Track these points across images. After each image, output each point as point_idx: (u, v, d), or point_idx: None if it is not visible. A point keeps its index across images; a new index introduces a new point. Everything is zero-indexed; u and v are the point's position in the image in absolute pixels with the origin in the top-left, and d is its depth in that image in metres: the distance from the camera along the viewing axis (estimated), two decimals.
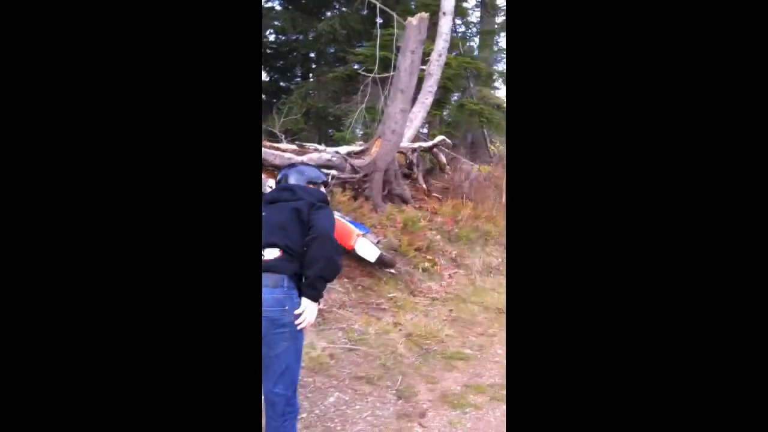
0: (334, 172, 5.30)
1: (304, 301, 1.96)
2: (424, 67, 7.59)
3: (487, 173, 7.45)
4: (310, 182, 2.33)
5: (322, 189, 2.42)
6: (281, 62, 10.33)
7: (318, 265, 1.95)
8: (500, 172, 7.41)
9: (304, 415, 2.59)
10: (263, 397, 1.92)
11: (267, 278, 1.92)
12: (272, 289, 1.92)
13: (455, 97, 9.87)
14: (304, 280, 1.98)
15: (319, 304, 2.05)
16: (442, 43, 7.76)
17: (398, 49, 6.58)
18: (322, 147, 5.87)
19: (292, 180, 2.31)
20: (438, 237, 5.71)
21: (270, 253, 1.99)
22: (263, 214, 2.05)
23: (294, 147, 5.58)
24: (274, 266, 1.96)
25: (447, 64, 8.10)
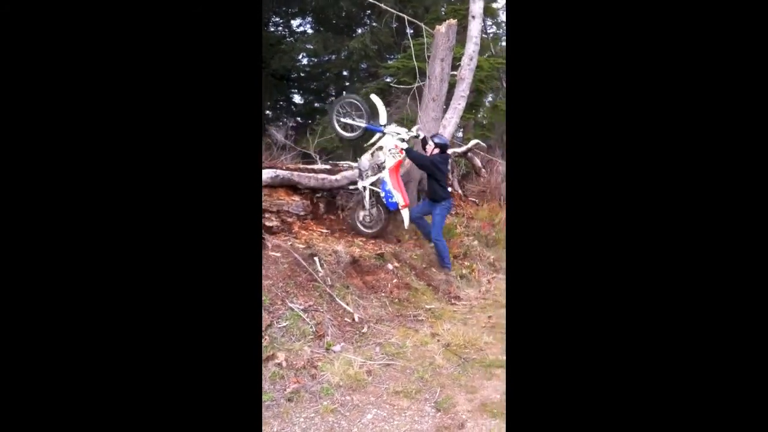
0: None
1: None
2: (455, 72, 7.60)
3: None
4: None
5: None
6: (315, 84, 10.58)
7: None
8: None
9: None
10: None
11: None
12: None
13: (489, 99, 9.78)
14: None
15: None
16: (472, 47, 7.72)
17: (429, 57, 6.62)
18: (355, 163, 6.00)
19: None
20: (475, 243, 5.70)
21: None
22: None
23: (327, 167, 5.74)
24: None
25: (479, 67, 8.05)
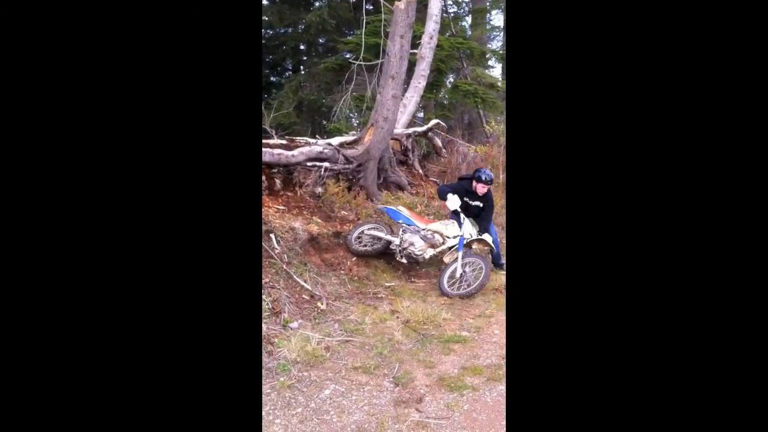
0: (326, 164, 5.31)
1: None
2: (415, 51, 7.52)
3: (483, 153, 7.40)
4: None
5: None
6: (270, 57, 10.30)
7: None
8: (497, 151, 7.35)
9: (299, 410, 2.62)
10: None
11: None
12: None
13: (450, 79, 9.78)
14: None
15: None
16: (432, 25, 7.67)
17: (387, 34, 6.52)
18: (313, 140, 5.87)
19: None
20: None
21: None
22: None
23: (283, 142, 5.59)
24: None
25: (439, 46, 8.01)
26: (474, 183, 4.96)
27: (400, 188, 6.31)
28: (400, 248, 4.80)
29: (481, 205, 4.97)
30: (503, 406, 2.73)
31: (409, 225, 4.89)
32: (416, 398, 2.83)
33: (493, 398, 2.85)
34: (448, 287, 4.55)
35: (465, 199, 4.93)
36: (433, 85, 8.54)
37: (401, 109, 7.09)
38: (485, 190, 4.96)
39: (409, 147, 7.06)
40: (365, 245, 4.93)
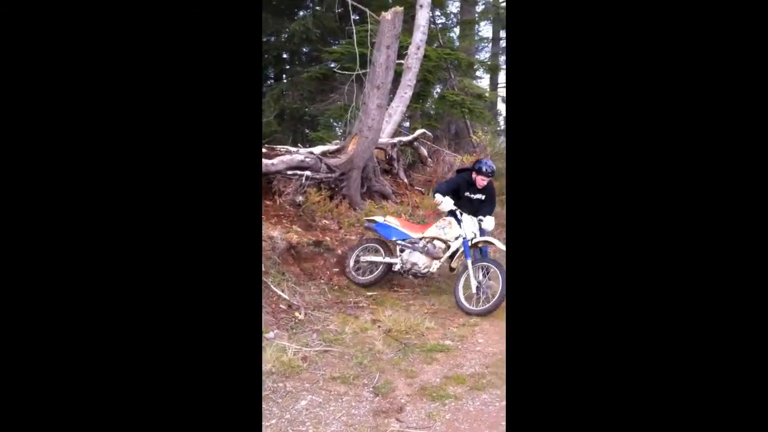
0: (307, 173, 5.24)
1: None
2: (402, 61, 7.53)
3: (470, 163, 7.37)
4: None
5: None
6: None
7: None
8: None
9: (273, 421, 2.52)
10: None
11: None
12: None
13: (437, 90, 9.80)
14: None
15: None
16: (420, 36, 7.69)
17: (374, 45, 6.50)
18: (294, 148, 5.80)
19: None
20: None
21: None
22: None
23: (263, 150, 5.51)
24: None
25: (426, 57, 8.02)
26: (474, 175, 4.60)
27: (384, 197, 6.25)
28: (402, 270, 4.52)
29: (483, 198, 4.63)
30: (486, 415, 2.67)
31: (404, 239, 4.55)
32: (396, 408, 2.75)
33: (475, 407, 2.77)
34: (466, 302, 4.14)
35: (466, 193, 4.58)
36: (419, 95, 8.53)
37: (386, 118, 7.06)
38: (485, 182, 4.59)
39: (394, 156, 7.02)
40: (365, 273, 4.61)
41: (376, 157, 6.46)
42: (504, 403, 2.74)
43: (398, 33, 6.08)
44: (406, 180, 6.97)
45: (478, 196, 4.64)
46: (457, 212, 4.46)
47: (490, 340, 3.70)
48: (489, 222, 4.48)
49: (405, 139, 7.39)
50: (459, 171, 4.94)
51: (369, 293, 4.44)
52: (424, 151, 7.72)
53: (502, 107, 13.06)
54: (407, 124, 9.03)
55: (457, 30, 11.87)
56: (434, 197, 4.51)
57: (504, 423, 2.53)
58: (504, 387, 2.90)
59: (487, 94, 9.71)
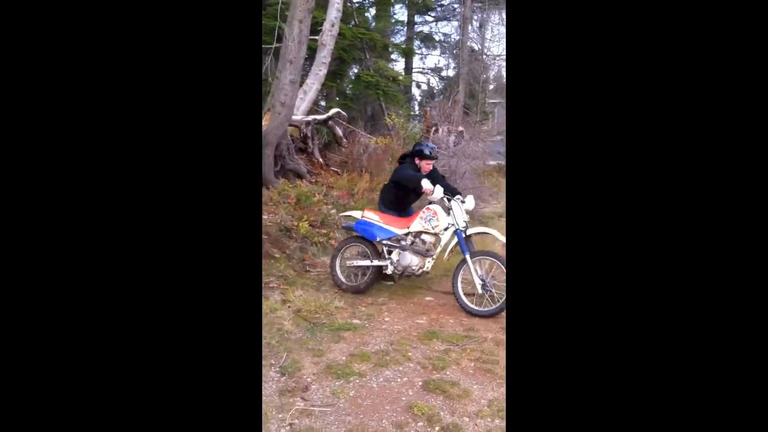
0: None
1: None
2: (317, 37, 7.40)
3: (384, 145, 7.47)
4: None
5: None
6: None
7: None
8: (397, 144, 7.46)
9: None
10: None
11: None
12: None
13: (354, 70, 9.77)
14: None
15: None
16: (334, 13, 7.60)
17: (286, 18, 6.34)
18: None
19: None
20: (333, 211, 5.66)
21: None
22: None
23: None
24: None
25: (341, 35, 7.95)
26: (417, 161, 4.23)
27: (299, 176, 6.19)
28: (396, 273, 4.24)
29: None
30: (388, 391, 2.76)
31: (389, 238, 4.22)
32: (302, 387, 2.78)
33: (379, 384, 2.86)
34: (468, 301, 3.87)
35: None
36: (335, 73, 8.48)
37: (301, 95, 6.95)
38: (430, 166, 4.26)
39: (309, 135, 6.95)
40: (354, 278, 4.33)
41: (290, 135, 6.36)
42: (406, 379, 2.88)
43: (311, 7, 5.98)
44: (321, 159, 6.93)
45: None
46: (445, 199, 4.05)
47: (396, 318, 3.83)
48: (470, 201, 4.17)
49: (320, 117, 7.32)
50: (401, 160, 4.52)
51: (280, 274, 4.41)
52: (340, 131, 7.71)
53: (416, 92, 13.25)
54: (323, 103, 8.94)
55: (372, 11, 11.85)
56: (424, 186, 3.99)
57: (404, 398, 2.67)
58: (407, 363, 3.06)
59: (401, 78, 9.81)
